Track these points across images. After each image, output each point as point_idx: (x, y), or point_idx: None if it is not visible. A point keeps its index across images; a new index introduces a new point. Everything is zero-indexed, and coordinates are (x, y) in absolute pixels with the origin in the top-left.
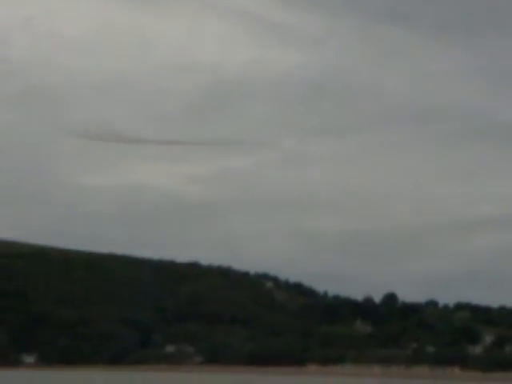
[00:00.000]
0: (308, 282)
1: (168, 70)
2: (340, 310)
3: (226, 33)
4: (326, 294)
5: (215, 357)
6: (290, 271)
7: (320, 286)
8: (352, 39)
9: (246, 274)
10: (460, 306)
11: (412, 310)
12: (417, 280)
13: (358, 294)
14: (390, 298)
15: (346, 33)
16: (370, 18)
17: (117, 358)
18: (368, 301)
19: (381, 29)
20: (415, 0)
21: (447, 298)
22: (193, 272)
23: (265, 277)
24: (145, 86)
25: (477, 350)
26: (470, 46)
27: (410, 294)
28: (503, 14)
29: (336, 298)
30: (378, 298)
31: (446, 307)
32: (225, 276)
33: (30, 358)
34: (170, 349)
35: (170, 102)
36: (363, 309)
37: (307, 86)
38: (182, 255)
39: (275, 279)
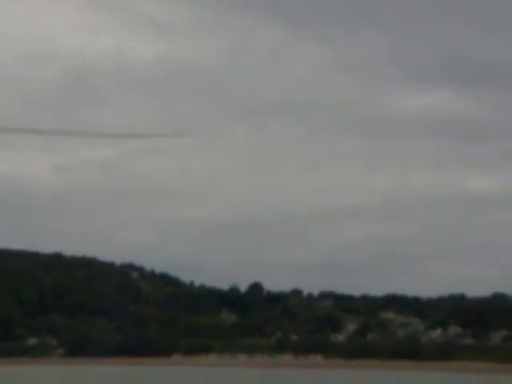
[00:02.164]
0: (174, 272)
1: (31, 57)
2: (205, 299)
3: (90, 21)
4: (191, 283)
5: (79, 349)
6: (156, 261)
7: (186, 277)
8: (218, 29)
9: (111, 265)
10: (324, 295)
11: (277, 299)
12: (282, 269)
13: (223, 284)
14: (256, 288)
15: (211, 23)
16: (234, 10)
17: None
18: (233, 290)
19: (246, 20)
20: None
21: (311, 286)
22: (56, 263)
23: (130, 267)
24: (5, 74)
25: (340, 337)
26: (332, 39)
27: (275, 283)
28: (367, 10)
29: (202, 287)
30: (243, 287)
31: (310, 296)
32: (89, 267)
33: None
34: (32, 341)
35: (33, 91)
36: (228, 298)
37: (172, 76)
38: (45, 246)
39: (141, 269)
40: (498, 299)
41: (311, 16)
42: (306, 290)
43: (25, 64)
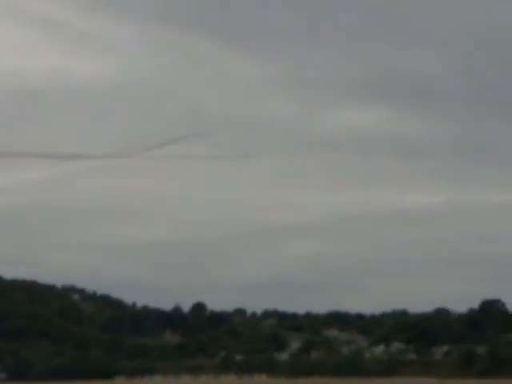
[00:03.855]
0: (116, 293)
1: None
2: (149, 320)
3: (28, 40)
4: (134, 305)
5: (21, 373)
6: (97, 283)
7: (129, 298)
8: (159, 47)
9: (52, 288)
10: (267, 314)
11: (220, 318)
12: (225, 289)
13: (166, 305)
14: (199, 308)
15: (153, 41)
16: (178, 28)
17: None
18: (177, 311)
19: (187, 38)
20: (222, 12)
21: (254, 306)
22: None
23: (72, 289)
24: None
25: (284, 356)
26: (270, 57)
27: (218, 302)
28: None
29: (144, 308)
30: (186, 307)
31: (253, 315)
32: (30, 290)
33: None
34: None
35: None
36: (172, 319)
37: (113, 95)
38: None
39: (82, 292)
40: (440, 314)
41: (251, 33)
42: (249, 309)
43: None
